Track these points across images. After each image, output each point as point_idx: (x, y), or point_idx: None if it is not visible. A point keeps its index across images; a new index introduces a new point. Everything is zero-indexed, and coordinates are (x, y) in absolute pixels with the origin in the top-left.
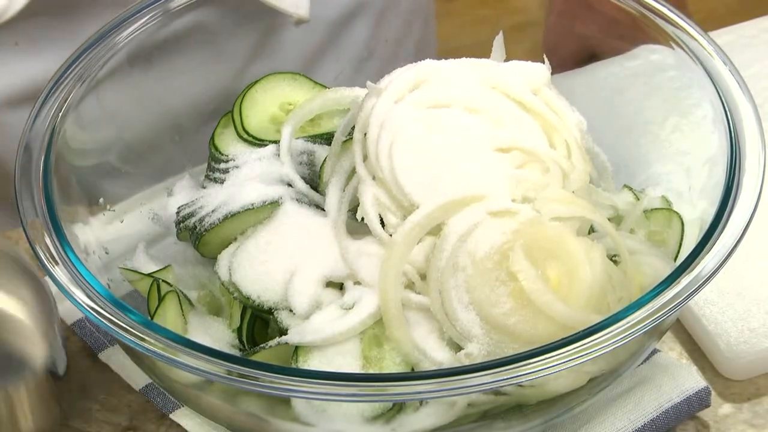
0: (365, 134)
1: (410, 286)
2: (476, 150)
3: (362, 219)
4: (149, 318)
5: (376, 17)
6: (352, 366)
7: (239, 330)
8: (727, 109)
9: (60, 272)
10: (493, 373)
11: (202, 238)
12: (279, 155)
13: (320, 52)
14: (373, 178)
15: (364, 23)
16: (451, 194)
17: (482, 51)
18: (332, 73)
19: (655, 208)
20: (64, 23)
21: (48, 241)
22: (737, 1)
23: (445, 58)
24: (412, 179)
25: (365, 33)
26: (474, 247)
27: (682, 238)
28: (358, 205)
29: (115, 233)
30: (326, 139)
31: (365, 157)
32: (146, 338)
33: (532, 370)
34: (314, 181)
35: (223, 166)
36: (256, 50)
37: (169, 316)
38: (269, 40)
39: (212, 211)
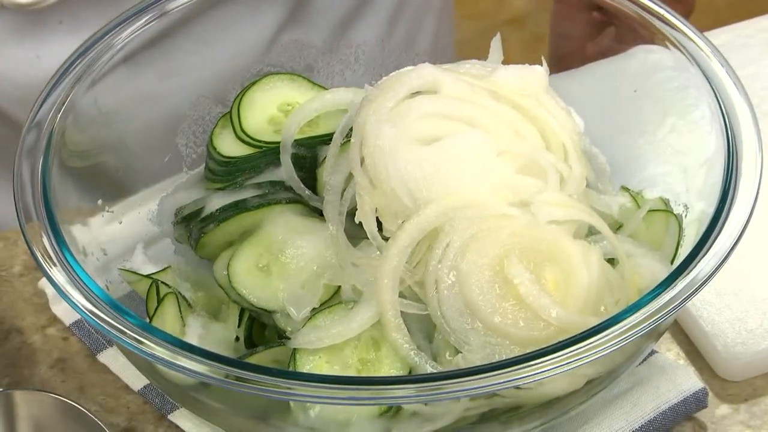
0: (362, 138)
1: (407, 289)
2: (473, 154)
3: (360, 222)
4: (148, 319)
5: None
6: (350, 369)
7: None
8: (724, 109)
9: (57, 273)
10: (490, 376)
11: (200, 240)
12: (278, 157)
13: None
14: (370, 181)
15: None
16: (448, 198)
17: (478, 45)
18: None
19: (653, 210)
20: (108, 0)
21: (46, 242)
22: None
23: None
24: (409, 184)
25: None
26: (471, 251)
27: (679, 240)
28: (356, 208)
29: (114, 234)
30: (325, 140)
31: (362, 161)
32: (144, 341)
33: (530, 373)
34: (313, 183)
35: (221, 167)
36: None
37: (167, 318)
38: (280, 36)
39: (210, 213)
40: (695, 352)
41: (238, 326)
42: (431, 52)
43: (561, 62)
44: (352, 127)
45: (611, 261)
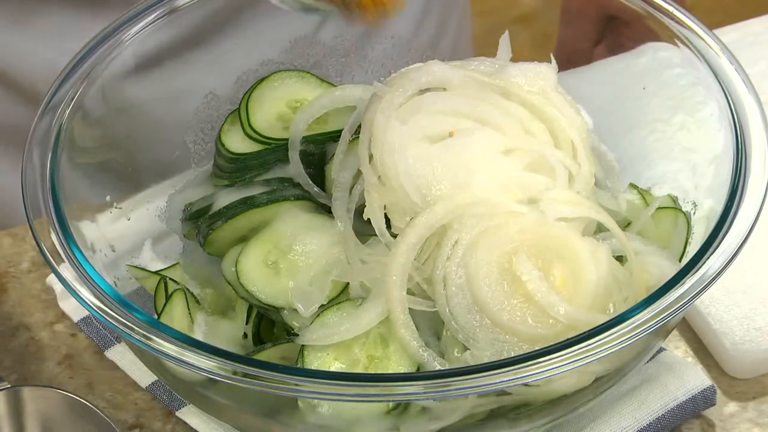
0: (371, 135)
1: (416, 286)
2: (482, 152)
3: (368, 219)
4: (156, 316)
5: None
6: (358, 365)
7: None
8: (732, 107)
9: (65, 270)
10: (498, 374)
11: (208, 236)
12: (286, 153)
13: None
14: (379, 178)
15: None
16: (456, 196)
17: (487, 42)
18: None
19: (661, 207)
20: None
21: (54, 238)
22: None
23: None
24: (417, 180)
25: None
26: (479, 248)
27: (687, 237)
28: (364, 205)
29: (122, 231)
30: (333, 137)
31: (371, 158)
32: (152, 337)
33: (538, 370)
34: (321, 179)
35: (229, 164)
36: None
37: (176, 315)
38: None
39: (218, 210)
40: (703, 350)
41: (246, 323)
42: (453, 52)
43: (570, 60)
44: (360, 124)
45: (620, 258)
